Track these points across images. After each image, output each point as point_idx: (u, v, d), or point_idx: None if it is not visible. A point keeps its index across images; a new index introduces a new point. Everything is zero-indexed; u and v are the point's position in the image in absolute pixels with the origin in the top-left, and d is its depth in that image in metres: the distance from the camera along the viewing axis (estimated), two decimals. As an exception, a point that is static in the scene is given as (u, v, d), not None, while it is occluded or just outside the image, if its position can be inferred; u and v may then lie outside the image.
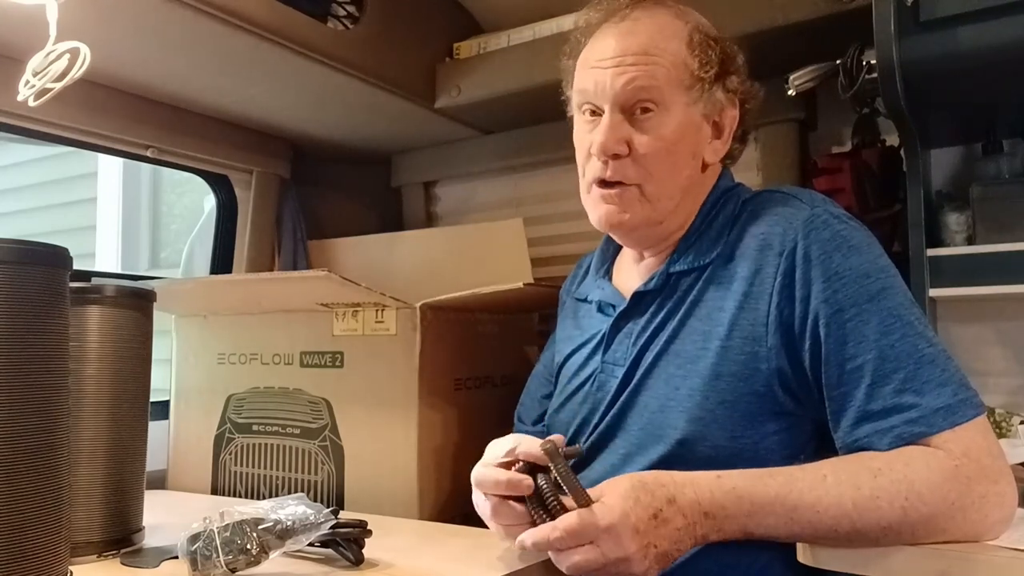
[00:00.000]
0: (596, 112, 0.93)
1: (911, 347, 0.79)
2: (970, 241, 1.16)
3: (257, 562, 0.76)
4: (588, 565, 0.74)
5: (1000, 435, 1.11)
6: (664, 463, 0.87)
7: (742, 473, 0.78)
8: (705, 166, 0.95)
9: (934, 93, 1.08)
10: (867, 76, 1.17)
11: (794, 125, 1.48)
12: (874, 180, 1.33)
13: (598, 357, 1.00)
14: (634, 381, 0.93)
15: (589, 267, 1.13)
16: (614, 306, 1.01)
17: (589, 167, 0.94)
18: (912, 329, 0.80)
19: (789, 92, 1.27)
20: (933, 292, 1.13)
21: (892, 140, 1.32)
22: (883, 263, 0.84)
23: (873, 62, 1.12)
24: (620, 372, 0.95)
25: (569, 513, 0.75)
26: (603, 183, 0.93)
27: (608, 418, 0.95)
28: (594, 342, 1.02)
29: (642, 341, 0.94)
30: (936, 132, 1.24)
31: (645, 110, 0.90)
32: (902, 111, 1.09)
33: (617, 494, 0.75)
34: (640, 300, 0.97)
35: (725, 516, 0.76)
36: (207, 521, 0.77)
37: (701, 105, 0.92)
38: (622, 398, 0.94)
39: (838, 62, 1.21)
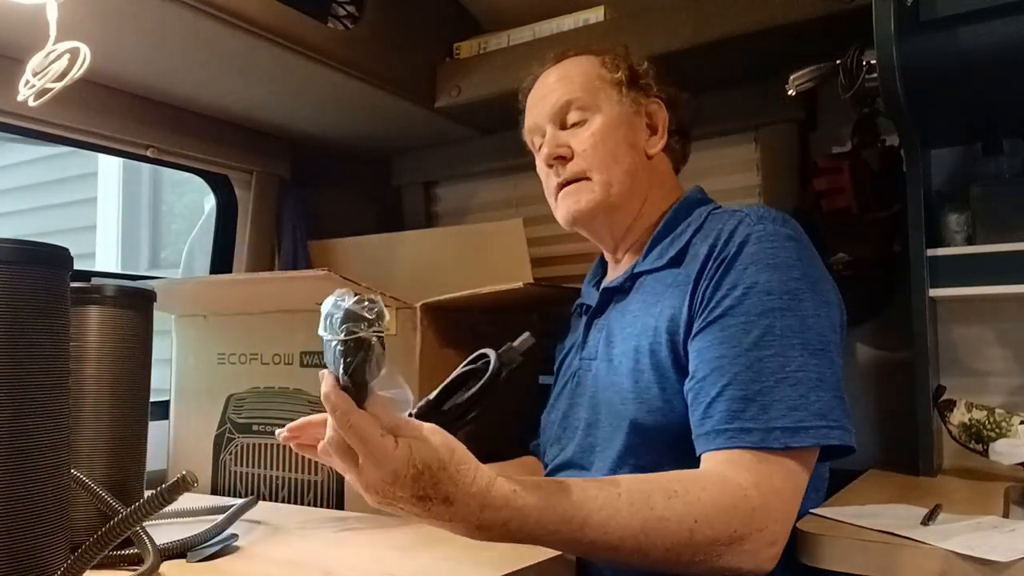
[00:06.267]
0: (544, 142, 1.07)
1: (778, 366, 0.81)
2: (970, 241, 1.16)
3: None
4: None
5: (1000, 435, 1.11)
6: (627, 446, 0.92)
7: (539, 488, 0.72)
8: (649, 157, 1.05)
9: (934, 93, 1.08)
10: (867, 76, 1.17)
11: (794, 125, 1.48)
12: (874, 180, 1.33)
13: (579, 356, 1.07)
14: (603, 374, 0.99)
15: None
16: (591, 305, 1.08)
17: (547, 180, 1.07)
18: (791, 351, 0.82)
19: (789, 92, 1.27)
20: (933, 292, 1.13)
21: (892, 140, 1.32)
22: (794, 286, 0.85)
23: (873, 62, 1.12)
24: (594, 365, 1.01)
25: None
26: (560, 186, 1.04)
27: (584, 412, 1.01)
28: (578, 342, 1.09)
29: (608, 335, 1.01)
30: (936, 132, 1.24)
31: (578, 121, 1.03)
32: (902, 111, 1.09)
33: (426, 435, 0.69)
34: (610, 297, 1.04)
35: (505, 532, 0.70)
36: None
37: (626, 104, 1.05)
38: (593, 390, 1.00)
39: (838, 62, 1.21)
